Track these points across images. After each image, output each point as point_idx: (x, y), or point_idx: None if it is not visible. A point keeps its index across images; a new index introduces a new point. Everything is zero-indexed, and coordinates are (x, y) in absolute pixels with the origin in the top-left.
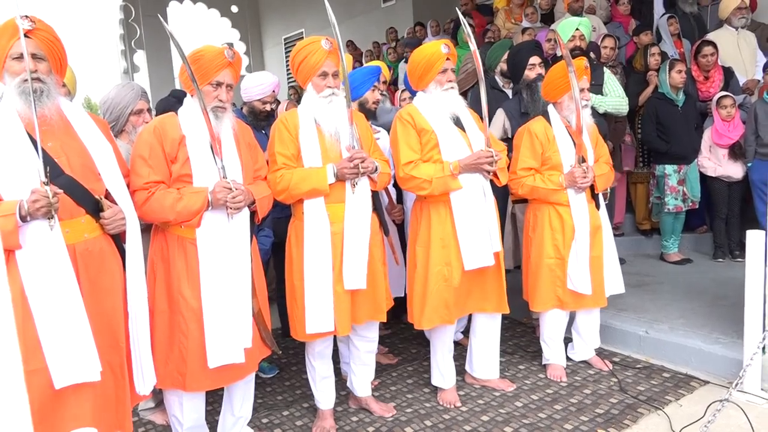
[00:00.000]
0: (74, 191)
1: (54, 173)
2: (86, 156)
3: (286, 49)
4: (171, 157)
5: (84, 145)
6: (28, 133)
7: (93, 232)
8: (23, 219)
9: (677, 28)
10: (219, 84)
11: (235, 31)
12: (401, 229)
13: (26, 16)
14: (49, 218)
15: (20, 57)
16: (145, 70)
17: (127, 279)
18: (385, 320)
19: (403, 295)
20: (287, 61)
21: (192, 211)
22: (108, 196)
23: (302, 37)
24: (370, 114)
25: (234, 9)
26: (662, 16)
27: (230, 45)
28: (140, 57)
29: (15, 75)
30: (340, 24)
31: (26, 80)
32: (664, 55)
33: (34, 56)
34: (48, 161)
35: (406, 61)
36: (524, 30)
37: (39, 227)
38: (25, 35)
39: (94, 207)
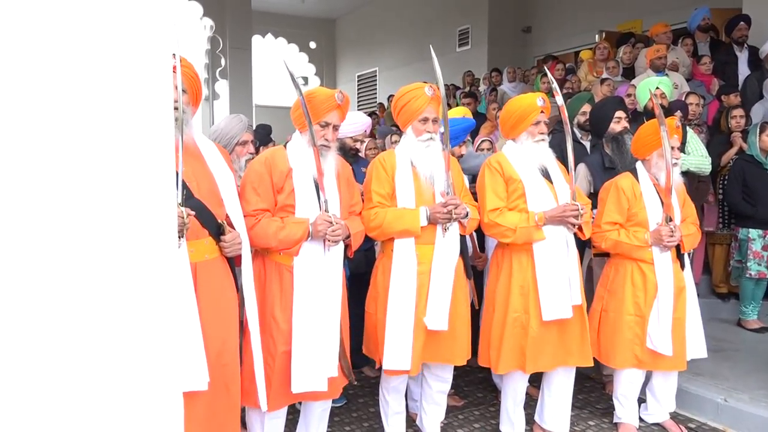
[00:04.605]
0: (201, 214)
1: (185, 196)
2: (212, 182)
3: (359, 85)
4: (278, 188)
5: (211, 171)
6: None
7: (213, 254)
8: None
9: None
10: (327, 124)
11: (311, 65)
12: (479, 276)
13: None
14: (179, 237)
15: None
16: (226, 98)
17: (245, 299)
18: (464, 362)
19: None
20: (359, 98)
21: (293, 240)
22: (227, 220)
23: (375, 75)
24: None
25: (312, 45)
26: (748, 76)
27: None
28: (222, 86)
29: None
30: (414, 64)
31: (175, 108)
32: (748, 118)
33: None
34: (182, 185)
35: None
36: (603, 80)
37: None
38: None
39: (216, 230)
